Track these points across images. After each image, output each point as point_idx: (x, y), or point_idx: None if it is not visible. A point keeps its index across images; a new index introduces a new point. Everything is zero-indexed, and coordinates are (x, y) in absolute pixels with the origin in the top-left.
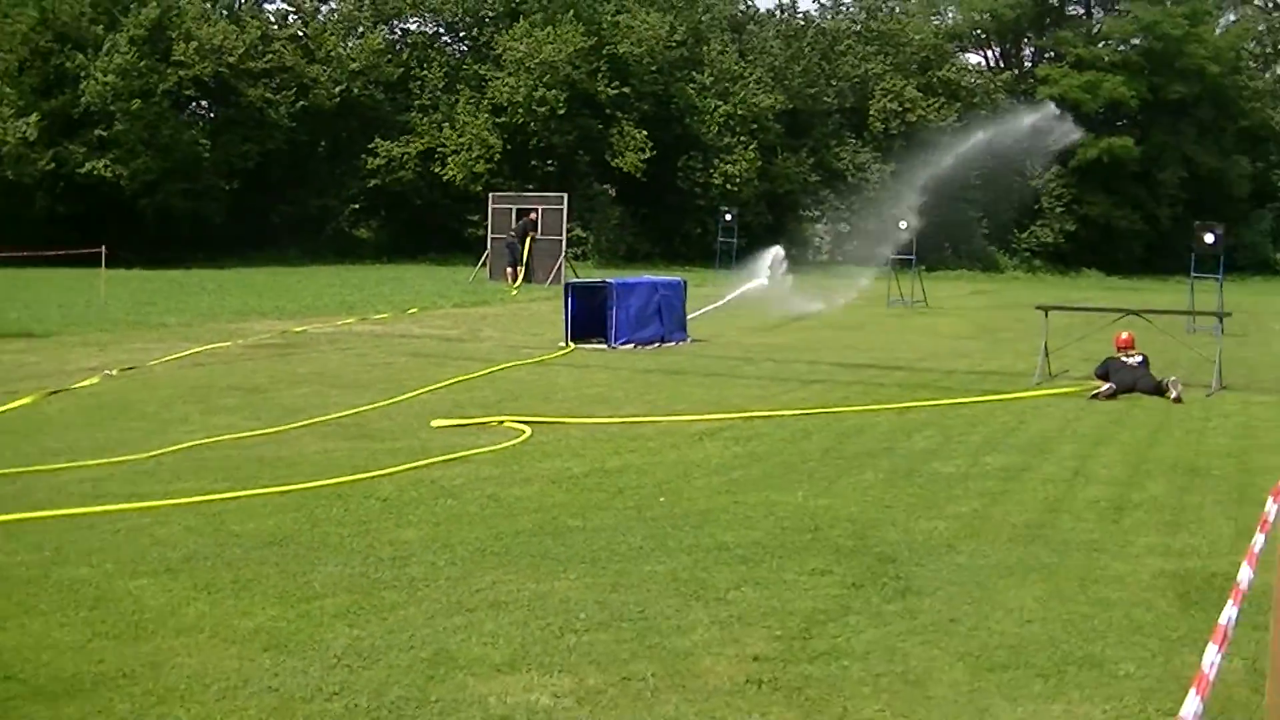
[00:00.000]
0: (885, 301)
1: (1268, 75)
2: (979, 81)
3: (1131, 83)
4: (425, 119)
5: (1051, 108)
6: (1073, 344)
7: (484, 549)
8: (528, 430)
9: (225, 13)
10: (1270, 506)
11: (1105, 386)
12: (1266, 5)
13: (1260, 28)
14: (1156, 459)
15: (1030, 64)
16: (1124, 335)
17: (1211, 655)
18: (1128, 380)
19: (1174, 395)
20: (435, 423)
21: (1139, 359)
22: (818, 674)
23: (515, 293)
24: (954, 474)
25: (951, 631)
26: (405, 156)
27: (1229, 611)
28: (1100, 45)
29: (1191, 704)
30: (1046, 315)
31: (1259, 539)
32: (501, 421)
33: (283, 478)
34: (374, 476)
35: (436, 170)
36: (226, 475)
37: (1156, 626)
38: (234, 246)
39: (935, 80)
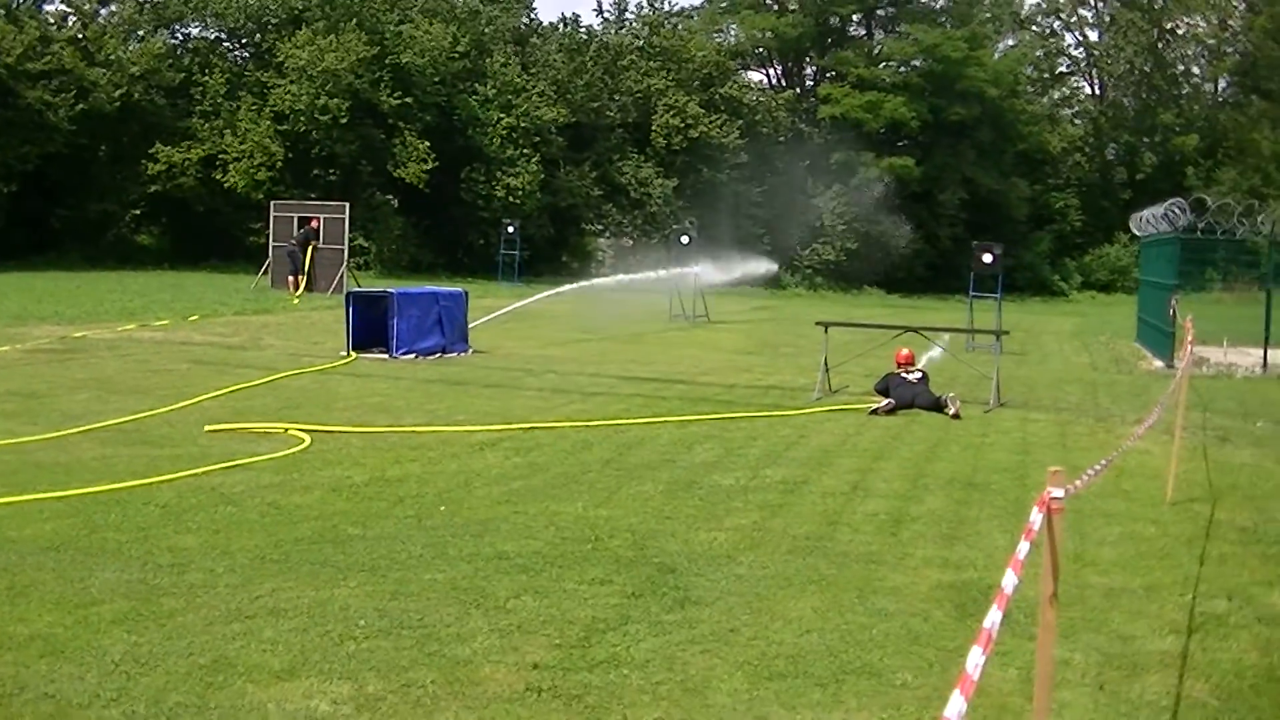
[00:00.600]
0: (668, 316)
1: (1044, 99)
2: (761, 99)
3: (912, 104)
4: (207, 125)
5: None
6: (853, 360)
7: (264, 556)
8: (307, 439)
9: (2, 12)
10: (1035, 516)
11: (885, 402)
12: (1044, 31)
13: (1038, 53)
14: (935, 473)
15: (812, 83)
16: (904, 351)
17: (976, 658)
18: (907, 396)
19: (952, 411)
20: (209, 428)
21: (919, 375)
22: (597, 682)
23: (297, 301)
24: (734, 486)
25: (731, 641)
26: (187, 162)
27: (994, 615)
28: (881, 66)
29: (955, 704)
30: (827, 331)
31: (1023, 547)
32: (286, 430)
33: (60, 483)
34: (153, 483)
35: (218, 177)
36: (3, 481)
37: (933, 637)
38: (12, 250)
39: (718, 97)
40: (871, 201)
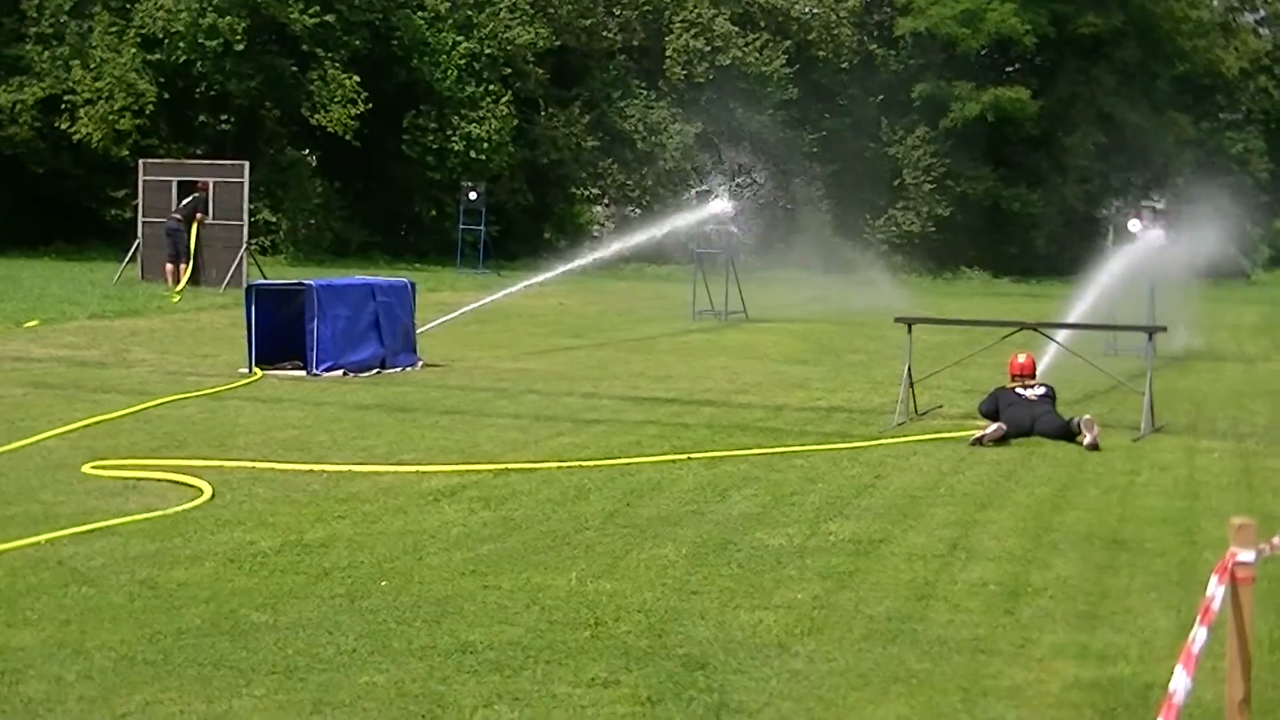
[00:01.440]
0: (689, 312)
1: (1214, 2)
2: (816, 11)
3: (1026, 12)
4: (46, 54)
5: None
6: (947, 370)
7: (133, 656)
8: (208, 489)
9: None
10: (1214, 589)
11: (993, 428)
12: None
13: None
14: (1065, 527)
15: None
16: (1021, 359)
17: None
18: (1024, 419)
19: (1088, 440)
20: (90, 466)
21: (1041, 391)
22: None
23: (178, 298)
24: (785, 548)
25: None
26: (18, 106)
27: None
28: None
29: None
30: (910, 330)
31: (1199, 634)
32: (180, 480)
33: None
34: None
35: (64, 127)
36: None
37: None
38: None
39: (756, 8)
40: (970, 149)
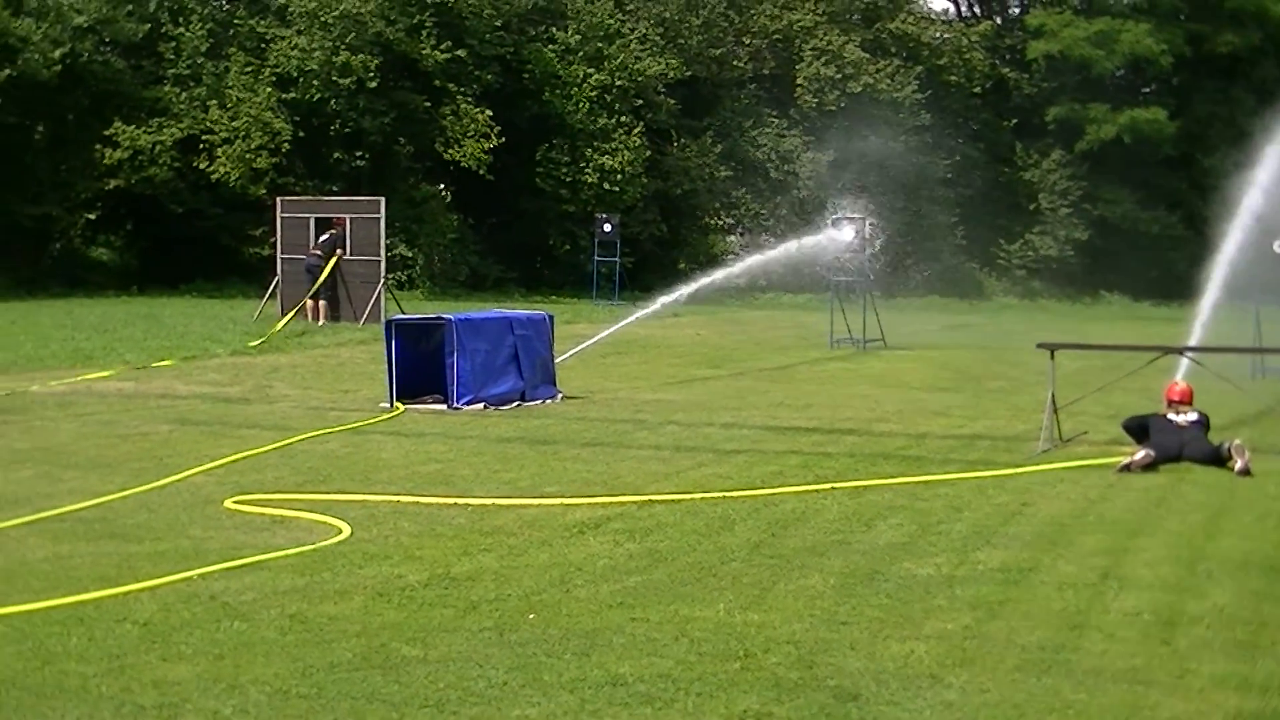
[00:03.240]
0: (827, 341)
1: None
2: (947, 36)
3: (1162, 32)
4: (184, 95)
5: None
6: (1091, 396)
7: (287, 690)
8: (346, 529)
9: None
10: None
11: (1141, 453)
12: None
13: None
14: (1220, 554)
15: (1018, 10)
16: (1179, 386)
17: None
18: (1173, 445)
19: (1239, 465)
20: (231, 502)
21: (1194, 417)
22: None
23: (280, 327)
24: (934, 577)
25: None
26: (158, 147)
27: None
28: None
29: None
30: (1053, 356)
31: None
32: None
33: None
34: (129, 592)
35: (202, 166)
36: None
37: None
38: None
39: (886, 35)
40: (1107, 172)
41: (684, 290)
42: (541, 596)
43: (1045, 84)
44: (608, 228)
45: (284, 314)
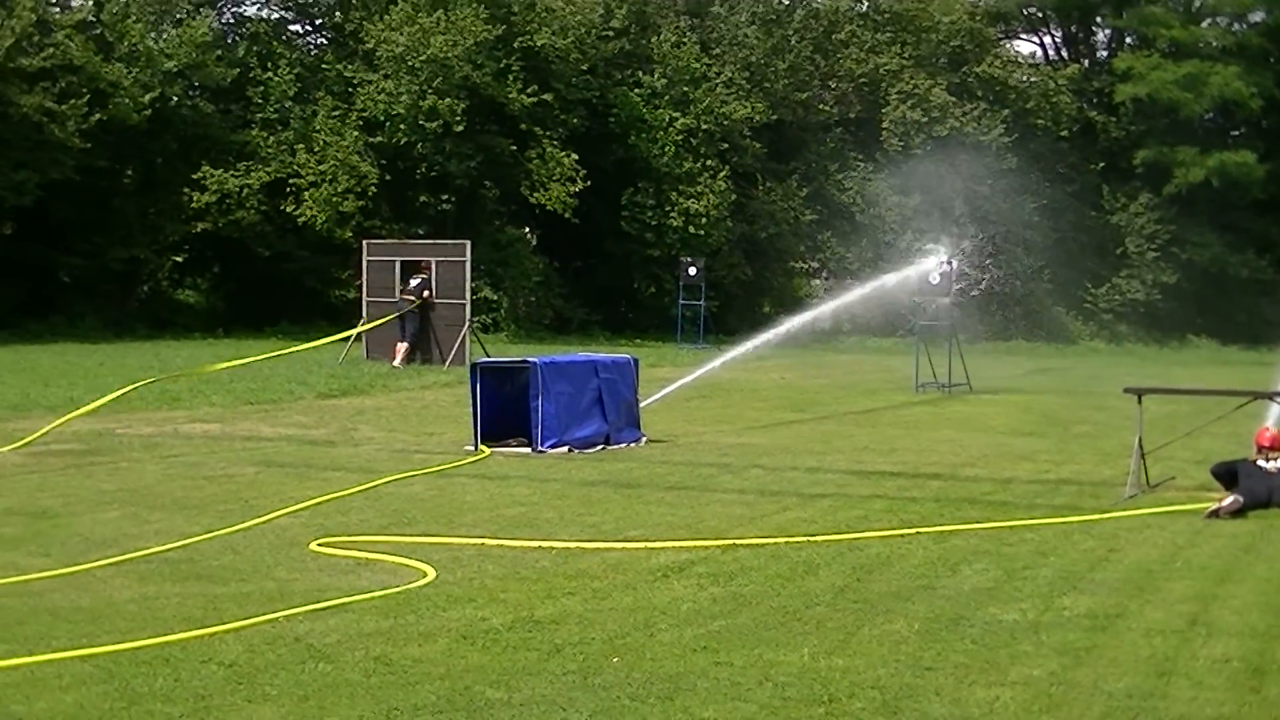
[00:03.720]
0: (912, 385)
1: None
2: (1034, 80)
3: (1251, 75)
4: (272, 139)
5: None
6: (1179, 441)
7: None
8: (431, 572)
9: None
10: None
11: (1229, 499)
12: None
13: None
14: None
15: (1106, 53)
16: (1270, 432)
17: None
18: (1262, 491)
19: None
20: (316, 544)
21: None
22: None
23: (341, 360)
24: (1020, 623)
25: None
26: (245, 191)
27: None
28: (1205, 24)
29: None
30: (1140, 401)
31: None
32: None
33: (85, 636)
34: (214, 633)
35: (289, 209)
36: (5, 634)
37: None
38: (7, 315)
39: (973, 78)
40: (1195, 215)
41: (772, 333)
42: (625, 640)
43: (1133, 127)
44: (693, 271)
45: (369, 356)
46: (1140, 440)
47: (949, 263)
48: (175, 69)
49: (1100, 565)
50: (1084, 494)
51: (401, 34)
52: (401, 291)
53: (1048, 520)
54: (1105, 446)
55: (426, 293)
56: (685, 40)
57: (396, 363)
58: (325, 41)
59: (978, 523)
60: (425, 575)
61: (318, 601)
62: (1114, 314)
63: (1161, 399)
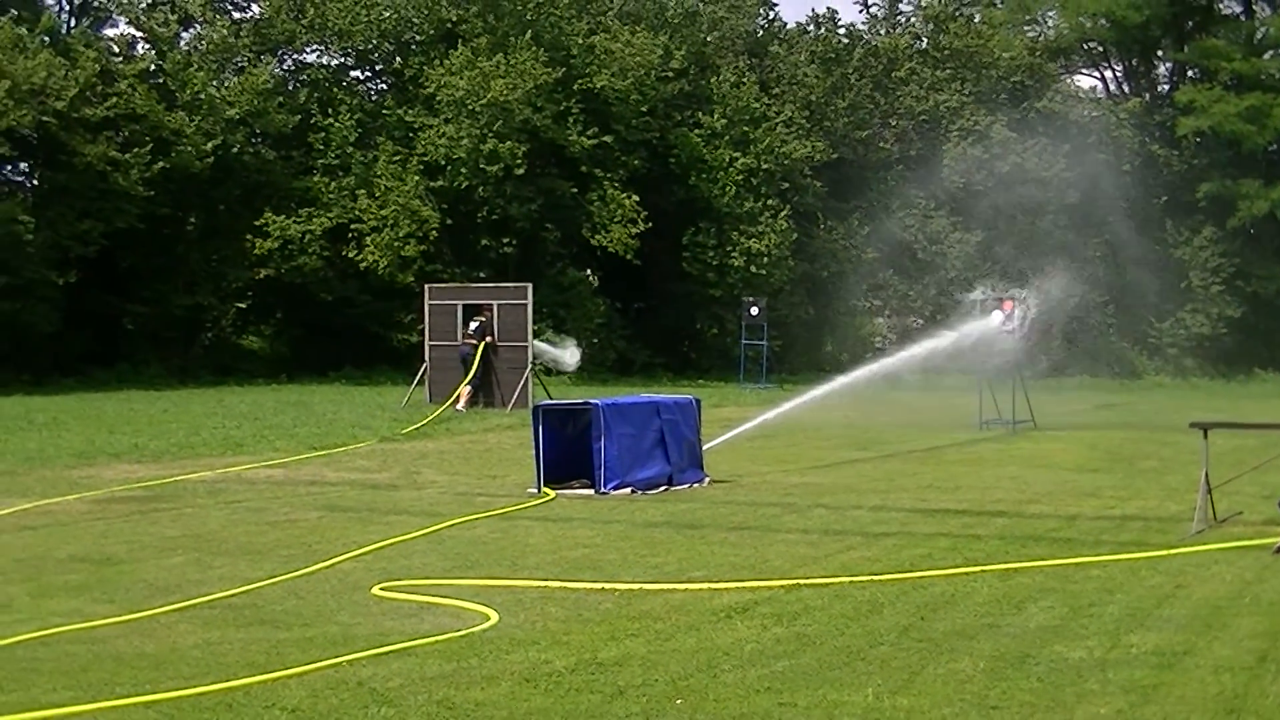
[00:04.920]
0: (976, 422)
1: None
2: (1095, 114)
3: None
4: (333, 184)
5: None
6: (1246, 476)
7: None
8: (494, 616)
9: (46, 40)
10: None
11: None
12: None
13: None
14: None
15: (1167, 86)
16: None
17: None
18: None
19: None
20: (378, 589)
21: None
22: None
23: (403, 399)
24: (1086, 661)
25: None
26: (307, 236)
27: None
28: (1268, 56)
29: None
30: (1206, 436)
31: None
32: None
33: (149, 683)
34: (278, 678)
35: (351, 254)
36: (69, 681)
37: None
38: (72, 362)
39: (1034, 114)
40: (1260, 248)
41: (839, 381)
42: (689, 681)
43: (1195, 161)
44: (755, 311)
45: (432, 400)
46: (1206, 475)
47: (1024, 302)
48: (237, 116)
49: (1167, 602)
50: (1150, 530)
51: (461, 78)
52: (463, 336)
53: (1114, 557)
54: (1171, 482)
55: (489, 336)
56: (744, 80)
57: (460, 406)
58: (385, 87)
59: (1043, 560)
60: (488, 618)
61: (381, 646)
62: (1179, 348)
63: (1228, 433)
